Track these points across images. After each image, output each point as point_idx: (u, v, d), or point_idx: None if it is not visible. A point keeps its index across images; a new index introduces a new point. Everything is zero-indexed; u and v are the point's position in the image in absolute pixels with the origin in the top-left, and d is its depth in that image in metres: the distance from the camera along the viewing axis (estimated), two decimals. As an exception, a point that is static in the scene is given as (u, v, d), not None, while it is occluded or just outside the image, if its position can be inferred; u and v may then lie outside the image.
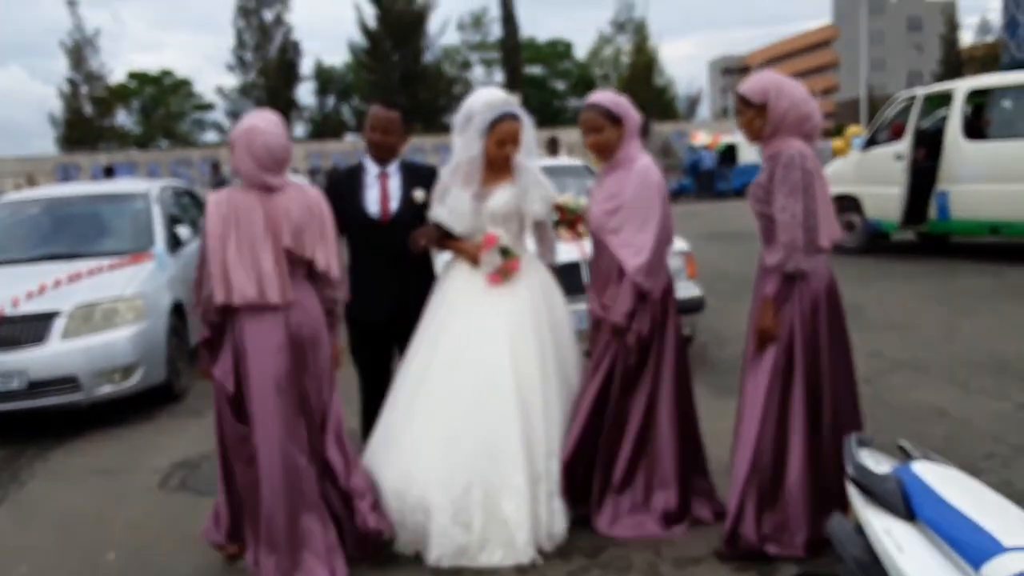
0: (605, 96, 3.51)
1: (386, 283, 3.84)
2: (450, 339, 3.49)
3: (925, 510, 1.75)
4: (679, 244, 5.66)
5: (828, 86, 76.08)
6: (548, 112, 46.53)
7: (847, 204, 11.15)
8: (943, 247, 11.04)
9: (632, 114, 3.46)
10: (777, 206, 3.10)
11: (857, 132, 11.71)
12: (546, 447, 3.41)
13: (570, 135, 27.61)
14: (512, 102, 3.65)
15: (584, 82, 52.46)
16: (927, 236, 11.01)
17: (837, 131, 32.41)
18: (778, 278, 3.15)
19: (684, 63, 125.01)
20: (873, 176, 10.66)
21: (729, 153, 26.82)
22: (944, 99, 10.12)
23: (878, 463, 2.03)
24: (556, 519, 3.39)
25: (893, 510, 1.80)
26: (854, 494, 1.94)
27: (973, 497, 1.78)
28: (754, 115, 3.19)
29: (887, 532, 1.77)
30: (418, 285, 3.81)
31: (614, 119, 3.42)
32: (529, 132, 3.62)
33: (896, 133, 10.42)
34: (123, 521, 4.05)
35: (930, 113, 10.42)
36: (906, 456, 2.08)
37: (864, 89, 39.06)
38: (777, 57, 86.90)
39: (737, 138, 27.96)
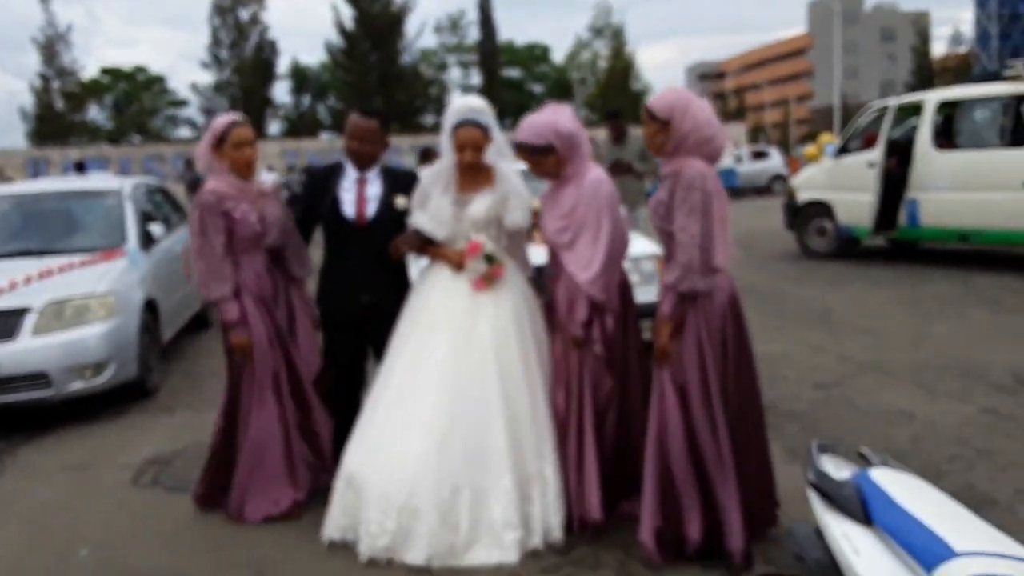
0: (529, 129, 3.45)
1: (359, 284, 3.85)
2: (434, 343, 3.50)
3: (881, 515, 1.80)
4: (650, 248, 5.70)
5: (803, 93, 76.97)
6: (525, 113, 46.55)
7: (820, 210, 11.32)
8: (913, 253, 11.23)
9: (561, 133, 3.40)
10: (677, 226, 3.12)
11: (830, 140, 11.87)
12: (536, 449, 3.43)
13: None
14: (476, 109, 3.62)
15: (561, 85, 52.65)
16: (897, 242, 11.19)
17: (811, 137, 32.81)
18: (674, 297, 3.17)
19: (661, 68, 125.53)
20: (845, 183, 10.82)
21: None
22: (915, 109, 10.30)
23: (838, 469, 2.08)
24: (551, 519, 3.42)
25: (851, 515, 1.85)
26: (814, 499, 1.99)
27: (929, 503, 1.83)
28: (657, 129, 3.19)
29: (845, 536, 1.82)
30: (391, 288, 3.84)
31: (543, 150, 3.42)
32: (497, 137, 3.64)
33: (869, 142, 10.59)
34: (95, 517, 4.02)
35: (902, 122, 10.60)
36: (866, 462, 2.13)
37: (838, 97, 39.61)
38: (752, 64, 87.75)
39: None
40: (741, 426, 3.22)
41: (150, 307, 6.20)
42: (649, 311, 3.52)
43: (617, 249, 3.44)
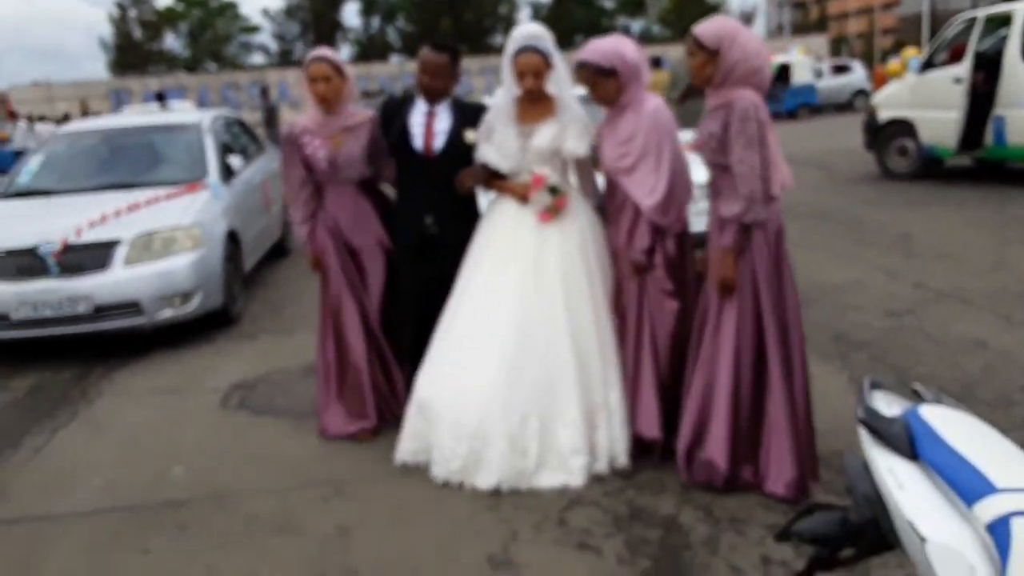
0: (594, 50, 3.44)
1: (426, 214, 3.93)
2: (504, 274, 3.58)
3: (928, 451, 1.83)
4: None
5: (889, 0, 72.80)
6: (597, 31, 45.32)
7: (901, 129, 10.90)
8: (999, 173, 10.77)
9: (627, 60, 3.39)
10: (735, 158, 3.10)
11: (915, 54, 11.31)
12: (603, 378, 3.52)
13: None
14: (536, 35, 3.60)
15: (633, 0, 50.96)
16: (983, 162, 10.74)
17: (896, 49, 31.21)
18: (736, 228, 3.18)
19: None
20: (929, 100, 10.36)
21: (782, 73, 26.03)
22: (1005, 20, 9.73)
23: (889, 405, 2.10)
24: (617, 445, 3.53)
25: (898, 450, 1.89)
26: (863, 434, 2.02)
27: (978, 440, 1.85)
28: (706, 60, 3.15)
29: (890, 471, 1.85)
30: (460, 219, 3.90)
31: (606, 72, 3.40)
32: (559, 65, 3.61)
33: (955, 56, 10.08)
34: (186, 438, 4.30)
35: (991, 34, 10.03)
36: (919, 398, 2.16)
37: (927, 4, 37.37)
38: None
39: (792, 57, 27.17)
40: (789, 355, 3.27)
41: (232, 238, 6.45)
42: (699, 241, 3.55)
43: (678, 175, 3.45)
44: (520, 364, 3.46)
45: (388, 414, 4.08)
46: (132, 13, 42.76)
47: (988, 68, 9.71)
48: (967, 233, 7.81)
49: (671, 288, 3.50)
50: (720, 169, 3.25)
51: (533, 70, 3.54)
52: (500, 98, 3.77)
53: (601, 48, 3.44)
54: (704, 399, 3.33)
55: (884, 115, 11.13)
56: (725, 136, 3.14)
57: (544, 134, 3.60)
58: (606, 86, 3.44)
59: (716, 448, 3.30)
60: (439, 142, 3.88)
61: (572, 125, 3.61)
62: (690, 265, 3.55)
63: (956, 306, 5.62)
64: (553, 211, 3.59)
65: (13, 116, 22.35)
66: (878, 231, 8.10)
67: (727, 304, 3.28)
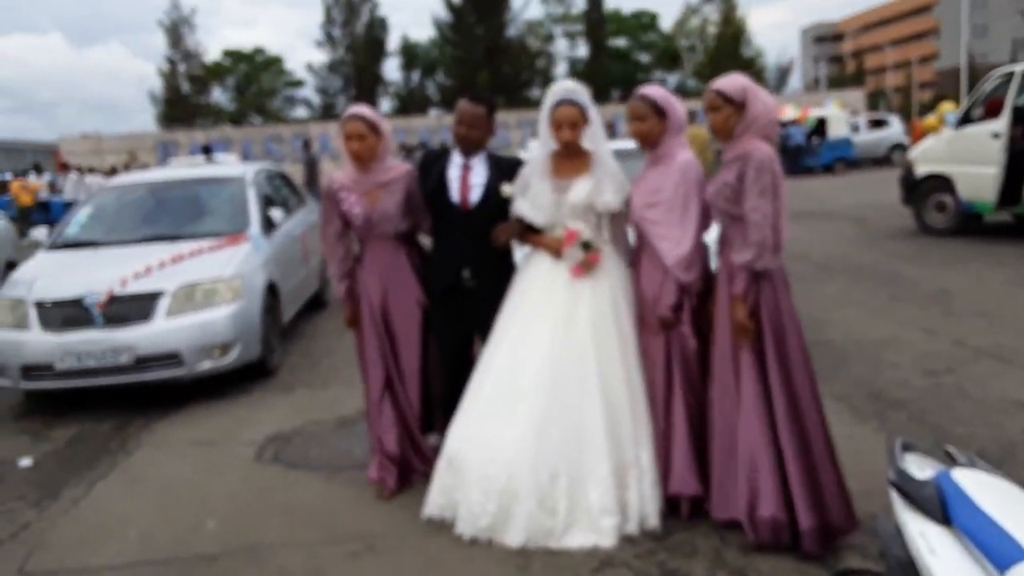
0: (655, 89, 3.61)
1: (462, 266, 3.97)
2: (536, 329, 3.61)
3: (960, 516, 1.82)
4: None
5: (927, 53, 72.80)
6: (632, 85, 45.89)
7: (939, 184, 10.84)
8: (1041, 230, 10.64)
9: (678, 111, 3.55)
10: (749, 206, 3.20)
11: (951, 108, 11.30)
12: (633, 436, 3.50)
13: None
14: (572, 90, 3.71)
15: (669, 54, 51.52)
16: (1022, 218, 10.61)
17: (934, 104, 31.10)
18: (747, 276, 3.24)
19: (774, 31, 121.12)
20: (967, 155, 10.32)
21: (819, 127, 26.08)
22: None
23: (922, 468, 2.09)
24: (648, 506, 3.50)
25: (930, 514, 1.88)
26: (895, 497, 2.01)
27: (1010, 505, 1.84)
28: (731, 113, 3.29)
29: (922, 535, 1.84)
30: (495, 272, 3.94)
31: (659, 112, 3.52)
32: (595, 119, 3.70)
33: (993, 110, 10.04)
34: (221, 490, 4.34)
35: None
36: (952, 461, 2.14)
37: (965, 57, 37.28)
38: (873, 23, 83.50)
39: (828, 111, 27.18)
40: (796, 403, 3.28)
41: (271, 290, 6.57)
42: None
43: (703, 232, 3.52)
44: (550, 420, 3.46)
45: (412, 473, 4.10)
46: (181, 68, 44.14)
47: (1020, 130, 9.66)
48: (1006, 291, 7.69)
49: (696, 346, 3.52)
50: (731, 219, 3.33)
51: (570, 122, 3.62)
52: (536, 152, 3.84)
53: (661, 91, 3.61)
54: (748, 454, 3.30)
55: (921, 170, 11.08)
56: (740, 186, 3.24)
57: (579, 189, 3.65)
58: (652, 124, 3.53)
59: (771, 503, 3.25)
60: (475, 195, 3.94)
61: (607, 179, 3.67)
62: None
63: (996, 365, 5.52)
64: (586, 266, 3.62)
65: (65, 168, 23.07)
66: (915, 287, 8.02)
67: (743, 353, 3.29)
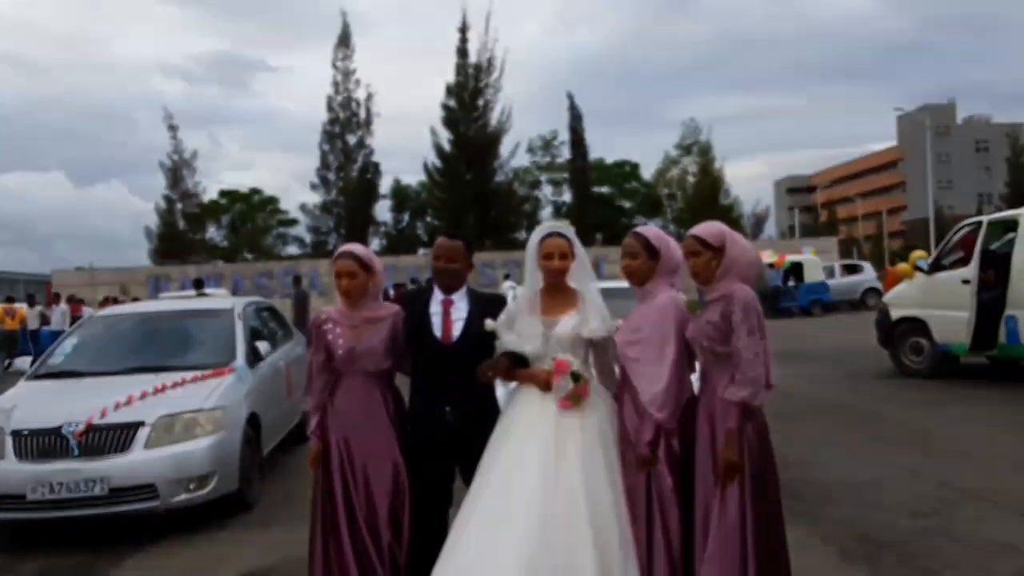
0: (651, 229, 3.76)
1: (445, 403, 3.93)
2: (525, 464, 3.55)
3: None
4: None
5: (896, 205, 75.59)
6: (615, 229, 47.05)
7: (914, 327, 11.06)
8: (1017, 372, 10.78)
9: (671, 254, 3.63)
10: (741, 344, 3.28)
11: (922, 256, 11.69)
12: (623, 572, 3.41)
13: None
14: (560, 224, 3.85)
15: (650, 201, 53.18)
16: (999, 361, 10.78)
17: (904, 253, 32.11)
18: (739, 412, 3.28)
19: (750, 182, 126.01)
20: (940, 300, 10.60)
21: (795, 271, 26.92)
22: (1008, 225, 10.12)
23: None
24: None
25: None
26: None
27: None
28: (711, 257, 3.42)
29: None
30: (478, 409, 3.92)
31: (651, 251, 3.62)
32: (581, 253, 3.79)
33: (965, 257, 10.40)
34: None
35: (997, 238, 10.40)
36: None
37: (932, 211, 38.76)
38: (843, 177, 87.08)
39: (804, 256, 28.05)
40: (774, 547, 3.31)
41: (253, 421, 6.51)
42: None
43: (682, 373, 3.54)
44: (540, 558, 3.36)
45: None
46: (178, 206, 45.03)
47: (997, 268, 9.98)
48: (987, 432, 7.73)
49: (672, 485, 3.48)
50: (715, 357, 3.39)
51: (560, 252, 3.71)
52: (523, 293, 3.89)
53: (658, 232, 3.74)
54: None
55: (896, 313, 11.33)
56: (725, 325, 3.32)
57: (566, 323, 3.70)
58: (642, 262, 3.62)
59: None
60: (457, 330, 3.96)
61: (593, 311, 3.72)
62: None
63: (982, 507, 5.49)
64: (574, 398, 3.59)
65: (56, 299, 23.13)
66: (897, 428, 8.04)
67: (731, 488, 3.28)
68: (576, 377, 3.59)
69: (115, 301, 22.37)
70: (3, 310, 20.34)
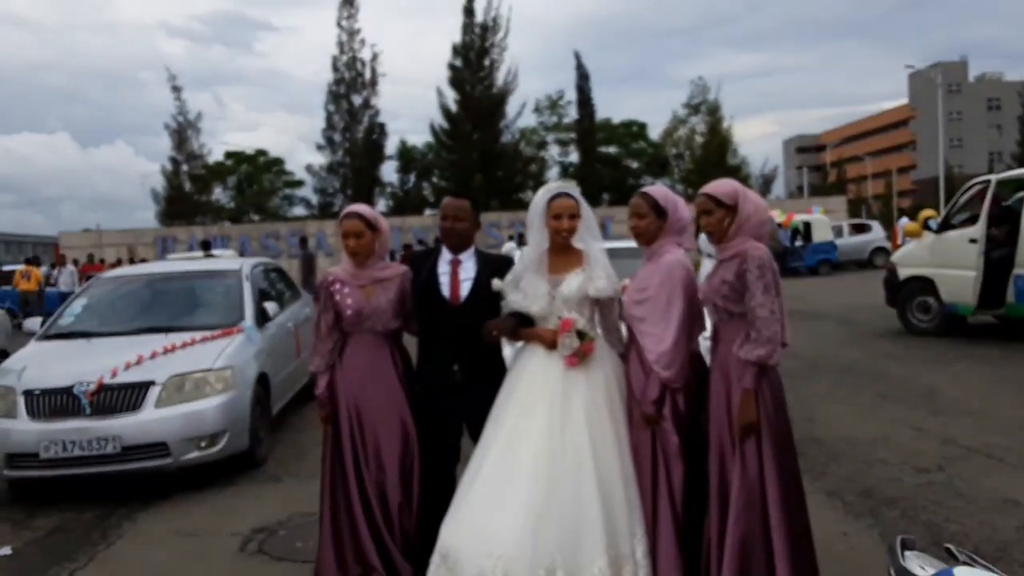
0: (659, 189, 3.73)
1: (452, 361, 3.98)
2: (531, 421, 3.58)
3: None
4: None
5: (905, 164, 74.95)
6: (622, 190, 46.81)
7: (922, 286, 11.03)
8: (1023, 330, 10.77)
9: (678, 214, 3.62)
10: (756, 302, 3.26)
11: (931, 215, 11.62)
12: (629, 529, 3.46)
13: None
14: (568, 185, 3.84)
15: (658, 161, 52.77)
16: (1005, 319, 10.77)
17: (912, 212, 31.95)
18: (755, 371, 3.26)
19: (759, 142, 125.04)
20: (948, 259, 10.56)
21: (803, 231, 26.80)
22: (1018, 184, 10.04)
23: (922, 567, 2.06)
24: None
25: None
26: None
27: None
28: (724, 215, 3.39)
29: None
30: (485, 367, 3.95)
31: (659, 211, 3.61)
32: (588, 214, 3.79)
33: (973, 217, 10.34)
34: (204, 583, 4.26)
35: (1007, 197, 10.32)
36: (952, 559, 2.12)
37: (942, 169, 38.42)
38: (853, 136, 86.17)
39: (813, 216, 27.89)
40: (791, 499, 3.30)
41: (262, 381, 6.57)
42: None
43: (688, 332, 3.54)
44: (546, 513, 3.41)
45: (392, 571, 3.96)
46: (184, 168, 44.96)
47: (1009, 227, 9.92)
48: (993, 389, 7.75)
49: (677, 443, 3.51)
50: (729, 316, 3.38)
51: (569, 212, 3.71)
52: (529, 252, 3.87)
53: (665, 192, 3.71)
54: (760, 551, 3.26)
55: (904, 272, 11.30)
56: (739, 284, 3.30)
57: (572, 282, 3.71)
58: (649, 222, 3.61)
59: None
60: (465, 290, 3.99)
61: (599, 270, 3.73)
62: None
63: (986, 463, 5.53)
64: (580, 355, 3.61)
65: (62, 260, 23.23)
66: (903, 386, 8.07)
67: (748, 448, 3.28)
68: (581, 335, 3.61)
69: (118, 264, 22.51)
70: (20, 272, 20.45)
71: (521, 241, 22.10)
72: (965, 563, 2.07)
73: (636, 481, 3.55)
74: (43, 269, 22.79)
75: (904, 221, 29.13)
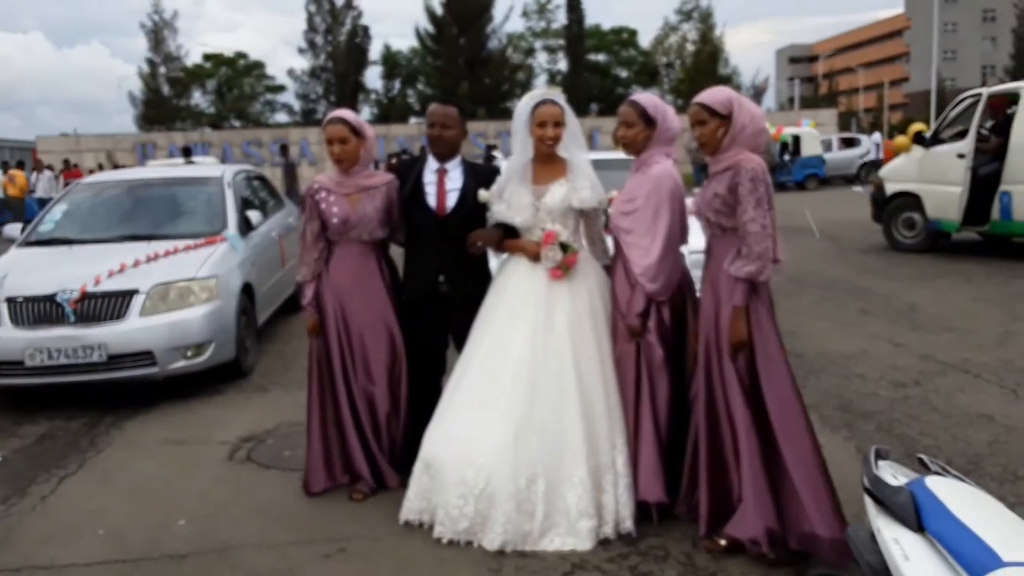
0: (648, 97, 3.65)
1: (438, 271, 3.99)
2: (514, 332, 3.62)
3: (934, 523, 1.83)
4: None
5: (897, 76, 73.98)
6: (611, 100, 46.16)
7: (908, 202, 11.02)
8: (1007, 248, 10.84)
9: (667, 122, 3.56)
10: (747, 217, 3.18)
11: (921, 129, 11.52)
12: (609, 440, 3.52)
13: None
14: (553, 92, 3.77)
15: (648, 70, 51.90)
16: (989, 236, 10.82)
17: (903, 126, 31.71)
18: (746, 288, 3.22)
19: (751, 51, 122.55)
20: (935, 175, 10.52)
21: (792, 145, 26.58)
22: (1009, 98, 9.92)
23: (895, 475, 2.11)
24: (623, 509, 3.52)
25: (904, 521, 1.89)
26: (869, 504, 2.03)
27: (983, 513, 1.85)
28: (719, 124, 3.29)
29: (895, 541, 1.86)
30: (470, 278, 3.97)
31: (648, 120, 3.54)
32: (573, 122, 3.74)
33: (963, 132, 10.26)
34: (192, 490, 4.32)
35: (999, 111, 10.22)
36: (925, 469, 2.16)
37: (935, 82, 37.97)
38: (846, 46, 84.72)
39: (802, 129, 27.62)
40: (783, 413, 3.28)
41: (247, 291, 6.54)
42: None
43: (675, 245, 3.54)
44: (528, 424, 3.47)
45: (380, 480, 4.08)
46: (162, 70, 43.78)
47: (1002, 140, 9.86)
48: (974, 307, 7.84)
49: (662, 355, 3.53)
50: (721, 230, 3.33)
51: (554, 120, 3.66)
52: (513, 161, 3.85)
53: (654, 100, 3.63)
54: (768, 471, 3.26)
55: (891, 188, 11.27)
56: (731, 197, 3.23)
57: (556, 192, 3.69)
58: (638, 131, 3.56)
59: (817, 519, 3.20)
60: (451, 200, 3.96)
61: (583, 180, 3.71)
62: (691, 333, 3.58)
63: (963, 379, 5.63)
64: (563, 268, 3.62)
65: (40, 166, 22.77)
66: (885, 302, 8.15)
67: (737, 364, 3.28)
68: (564, 247, 3.61)
69: (100, 169, 22.12)
70: (6, 177, 20.04)
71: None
72: (937, 473, 2.11)
73: (619, 393, 3.60)
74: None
75: (876, 136, 28.98)
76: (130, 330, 5.63)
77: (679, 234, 3.59)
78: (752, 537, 3.24)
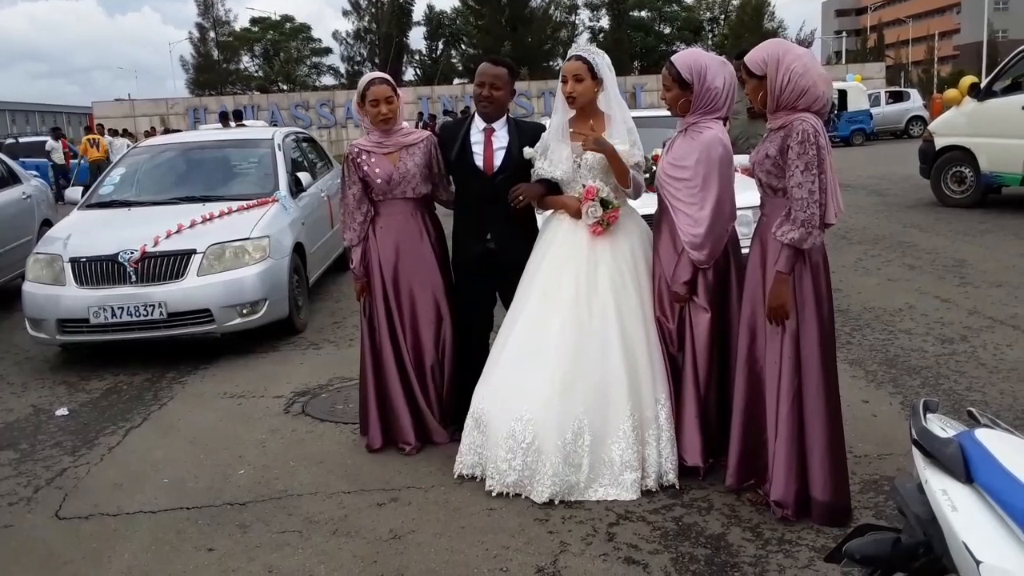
0: (687, 60, 3.49)
1: (485, 230, 4.03)
2: (558, 289, 3.66)
3: (982, 474, 1.83)
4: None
5: (947, 28, 71.36)
6: (654, 56, 45.39)
7: (958, 156, 10.78)
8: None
9: (706, 83, 3.43)
10: (794, 181, 3.06)
11: (976, 82, 11.21)
12: (652, 394, 3.58)
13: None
14: (586, 47, 3.75)
15: (691, 26, 50.86)
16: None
17: (953, 80, 30.77)
18: (790, 253, 3.12)
19: (797, 4, 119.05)
20: (992, 128, 10.25)
21: (838, 100, 25.99)
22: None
23: (944, 428, 2.10)
24: (665, 462, 3.59)
25: (952, 472, 1.90)
26: (917, 455, 2.03)
27: None
28: (756, 85, 3.15)
29: (944, 492, 1.86)
30: (517, 236, 4.00)
31: (683, 83, 3.45)
32: (608, 76, 3.70)
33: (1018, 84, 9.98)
34: (251, 441, 4.49)
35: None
36: (974, 422, 2.16)
37: (986, 34, 36.64)
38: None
39: (848, 84, 26.98)
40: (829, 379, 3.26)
41: (299, 250, 6.70)
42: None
43: (723, 212, 3.49)
44: (574, 378, 3.54)
45: (428, 437, 4.21)
46: (211, 34, 44.22)
47: None
48: (1022, 262, 7.71)
49: (709, 319, 3.53)
50: (772, 192, 3.23)
51: (573, 73, 3.65)
52: (555, 118, 3.85)
53: (691, 58, 3.50)
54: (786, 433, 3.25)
55: (941, 142, 11.03)
56: (782, 159, 3.11)
57: None
58: (676, 95, 3.50)
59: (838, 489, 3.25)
60: (498, 159, 3.98)
61: (620, 135, 3.69)
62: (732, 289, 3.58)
63: (1011, 334, 5.57)
64: (604, 224, 3.63)
65: (101, 131, 23.09)
66: (932, 258, 8.05)
67: (782, 329, 3.22)
68: (605, 203, 3.61)
69: (154, 133, 22.50)
70: (87, 141, 20.45)
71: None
72: (986, 426, 2.11)
73: (661, 349, 3.64)
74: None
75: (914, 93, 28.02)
76: (188, 288, 5.83)
77: (728, 204, 3.52)
78: (779, 499, 3.28)
